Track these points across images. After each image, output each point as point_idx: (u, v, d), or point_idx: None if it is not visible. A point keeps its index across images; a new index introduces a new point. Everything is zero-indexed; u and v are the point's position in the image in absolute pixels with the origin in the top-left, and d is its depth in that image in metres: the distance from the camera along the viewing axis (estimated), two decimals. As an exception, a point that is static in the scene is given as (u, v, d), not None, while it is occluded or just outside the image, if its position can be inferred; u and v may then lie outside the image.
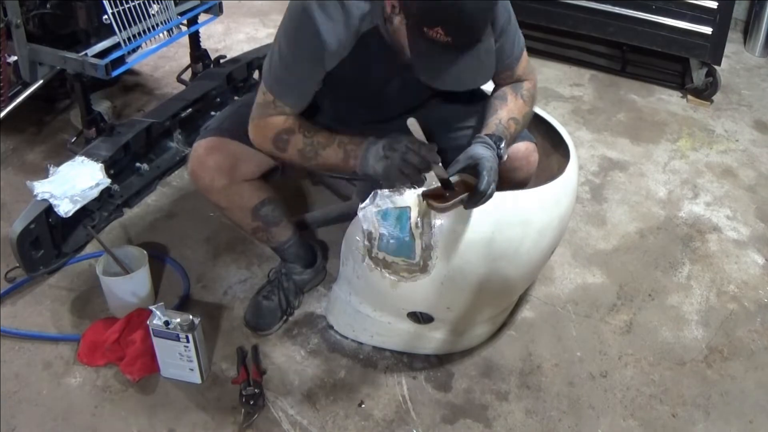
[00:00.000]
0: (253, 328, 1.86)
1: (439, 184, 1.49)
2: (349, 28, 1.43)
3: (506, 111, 1.59)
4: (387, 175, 1.48)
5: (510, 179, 1.67)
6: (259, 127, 1.57)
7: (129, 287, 1.84)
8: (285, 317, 1.89)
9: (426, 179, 1.48)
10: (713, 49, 2.98)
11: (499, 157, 1.49)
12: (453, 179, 1.48)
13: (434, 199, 1.46)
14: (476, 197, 1.43)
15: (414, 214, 1.53)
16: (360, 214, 1.56)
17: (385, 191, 1.55)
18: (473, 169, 1.45)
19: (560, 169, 1.71)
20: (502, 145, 1.50)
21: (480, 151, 1.46)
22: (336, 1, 1.42)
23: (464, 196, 1.44)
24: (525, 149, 1.68)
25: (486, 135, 1.51)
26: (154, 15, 2.22)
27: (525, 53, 1.66)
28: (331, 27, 1.42)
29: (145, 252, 1.90)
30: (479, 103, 1.71)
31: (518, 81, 1.67)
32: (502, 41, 1.58)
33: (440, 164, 1.45)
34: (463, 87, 1.41)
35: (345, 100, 1.68)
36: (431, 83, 1.38)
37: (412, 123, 1.43)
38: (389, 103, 1.67)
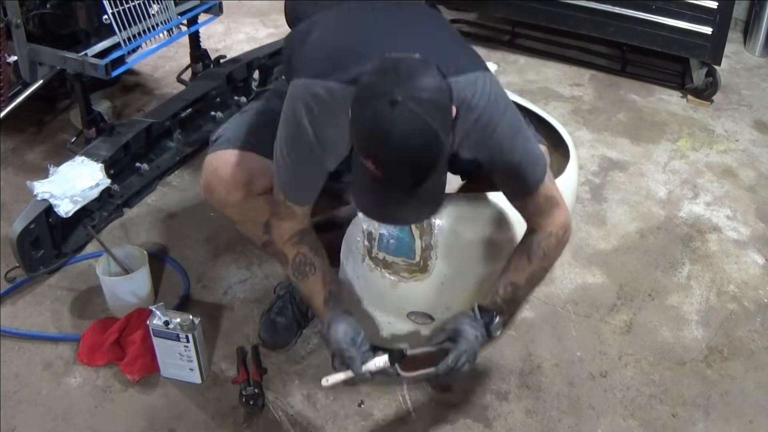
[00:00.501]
0: (271, 346, 1.82)
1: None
2: (345, 129, 1.32)
3: (505, 278, 1.51)
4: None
5: None
6: (273, 226, 1.53)
7: (129, 287, 1.85)
8: (300, 330, 1.86)
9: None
10: (713, 49, 2.98)
11: (489, 333, 1.47)
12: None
13: (409, 363, 1.45)
14: (438, 377, 1.43)
15: (414, 214, 1.53)
16: (360, 214, 1.56)
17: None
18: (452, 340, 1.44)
19: (560, 169, 1.71)
20: (496, 321, 1.47)
21: (463, 329, 1.43)
22: (326, 102, 1.34)
23: (431, 370, 1.43)
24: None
25: (480, 308, 1.48)
26: (154, 15, 2.22)
27: (548, 189, 1.46)
28: (330, 154, 1.39)
29: (145, 252, 1.90)
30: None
31: (539, 216, 1.48)
32: (509, 168, 1.42)
33: (386, 361, 1.44)
34: (394, 223, 1.39)
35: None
36: (364, 214, 1.34)
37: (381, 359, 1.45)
38: None
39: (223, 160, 1.59)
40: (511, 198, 1.49)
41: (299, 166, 1.42)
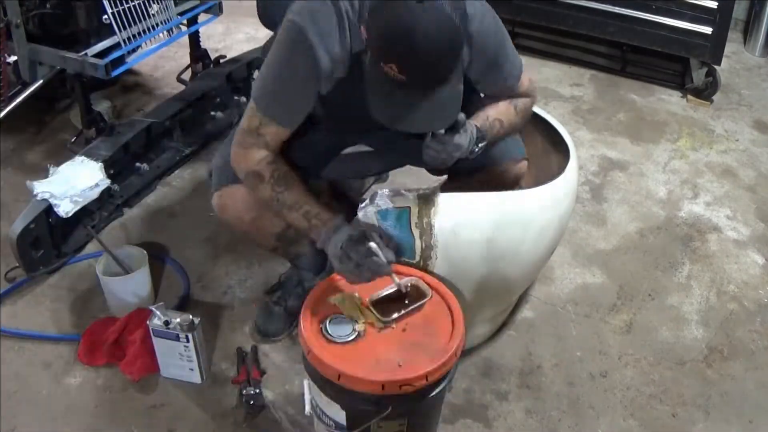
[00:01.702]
0: (263, 334, 1.84)
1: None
2: (345, 48, 1.39)
3: (494, 111, 1.59)
4: (340, 274, 1.44)
5: (491, 187, 1.64)
6: (237, 155, 1.50)
7: (129, 287, 1.84)
8: (295, 323, 1.86)
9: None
10: (713, 49, 2.98)
11: (471, 151, 1.50)
12: (405, 282, 1.46)
13: (381, 307, 1.42)
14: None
15: (414, 214, 1.53)
16: (360, 213, 1.56)
17: (386, 191, 1.55)
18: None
19: (560, 169, 1.71)
20: (481, 142, 1.51)
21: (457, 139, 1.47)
22: (331, 17, 1.37)
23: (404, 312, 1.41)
24: (517, 167, 1.68)
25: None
26: (154, 15, 2.22)
27: (525, 74, 1.62)
28: (325, 49, 1.37)
29: (145, 252, 1.90)
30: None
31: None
32: (498, 69, 1.54)
33: (393, 275, 1.43)
34: (416, 129, 1.37)
35: (340, 116, 1.61)
36: (382, 121, 1.33)
37: (372, 235, 1.41)
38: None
39: (231, 198, 1.58)
40: (500, 95, 1.60)
41: (291, 79, 1.42)
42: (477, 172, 1.66)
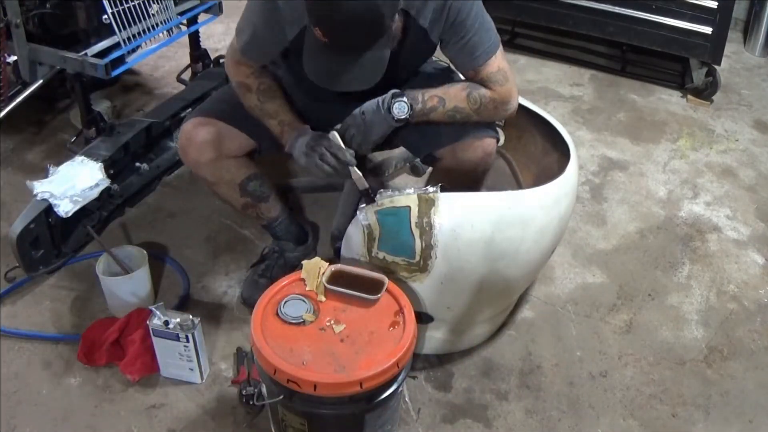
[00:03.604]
0: (250, 305, 1.87)
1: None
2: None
3: (438, 90, 1.63)
4: (308, 169, 1.62)
5: (462, 170, 1.71)
6: (230, 67, 1.72)
7: (129, 287, 1.85)
8: None
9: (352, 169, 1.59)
10: (713, 48, 2.98)
11: (391, 113, 1.59)
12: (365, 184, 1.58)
13: (336, 282, 1.49)
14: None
15: (414, 214, 1.53)
16: (360, 213, 1.56)
17: (386, 191, 1.55)
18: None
19: (560, 169, 1.71)
20: (399, 102, 1.59)
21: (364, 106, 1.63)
22: None
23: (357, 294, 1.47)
24: (489, 145, 1.71)
25: (396, 94, 1.60)
26: (153, 15, 2.22)
27: (500, 62, 1.63)
28: (292, 5, 1.51)
29: (145, 252, 1.90)
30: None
31: (481, 83, 1.65)
32: (463, 39, 1.58)
33: (358, 171, 1.57)
34: (339, 88, 1.49)
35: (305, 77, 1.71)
36: (310, 78, 1.48)
37: (333, 135, 1.62)
38: None
39: (195, 123, 1.75)
40: (463, 69, 1.66)
41: (262, 27, 1.59)
42: (443, 154, 1.73)
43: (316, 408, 1.37)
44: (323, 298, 1.48)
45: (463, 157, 1.70)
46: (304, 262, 1.52)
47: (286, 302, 1.45)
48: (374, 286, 1.49)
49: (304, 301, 1.46)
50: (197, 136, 1.72)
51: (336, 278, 1.50)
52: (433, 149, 1.74)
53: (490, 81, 1.63)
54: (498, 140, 1.76)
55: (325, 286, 1.48)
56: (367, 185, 1.59)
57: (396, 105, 1.60)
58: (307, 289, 1.49)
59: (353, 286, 1.48)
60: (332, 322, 1.43)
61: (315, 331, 1.41)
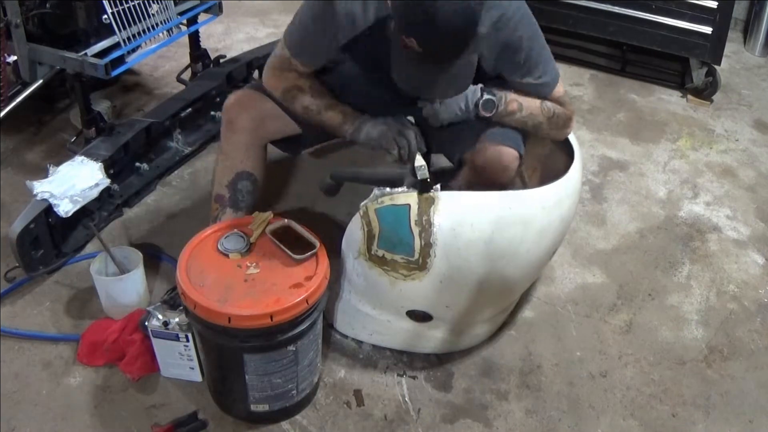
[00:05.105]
0: None
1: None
2: (367, 11, 1.54)
3: (518, 94, 1.67)
4: (380, 138, 1.62)
5: (484, 180, 1.69)
6: (274, 77, 1.71)
7: (123, 288, 1.84)
8: None
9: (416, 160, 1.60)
10: (713, 48, 2.99)
11: (476, 104, 1.62)
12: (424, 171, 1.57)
13: (280, 231, 1.60)
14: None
15: (414, 212, 1.53)
16: (359, 211, 1.56)
17: (386, 188, 1.55)
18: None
19: (566, 170, 1.71)
20: (486, 97, 1.61)
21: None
22: None
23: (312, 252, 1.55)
24: (506, 154, 1.68)
25: (485, 89, 1.63)
26: (153, 15, 2.22)
27: (561, 87, 1.72)
28: (347, 5, 1.53)
29: (140, 253, 1.89)
30: None
31: None
32: (531, 75, 1.65)
33: (424, 163, 1.57)
34: (434, 96, 1.54)
35: (367, 81, 1.73)
36: (400, 85, 1.47)
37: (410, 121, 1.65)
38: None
39: (240, 103, 1.76)
40: (540, 96, 1.70)
41: (314, 29, 1.60)
42: (469, 156, 1.72)
43: (197, 326, 1.53)
44: (253, 241, 1.58)
45: (486, 164, 1.69)
46: (256, 213, 1.65)
47: (228, 236, 1.59)
48: (307, 249, 1.55)
49: (243, 239, 1.58)
50: (243, 101, 1.76)
51: (281, 232, 1.59)
52: (463, 152, 1.74)
53: (558, 103, 1.71)
54: (521, 155, 1.73)
55: (266, 235, 1.58)
56: (428, 175, 1.56)
57: (483, 102, 1.63)
58: (252, 236, 1.60)
59: (292, 244, 1.56)
60: (253, 265, 1.53)
61: (232, 266, 1.53)
